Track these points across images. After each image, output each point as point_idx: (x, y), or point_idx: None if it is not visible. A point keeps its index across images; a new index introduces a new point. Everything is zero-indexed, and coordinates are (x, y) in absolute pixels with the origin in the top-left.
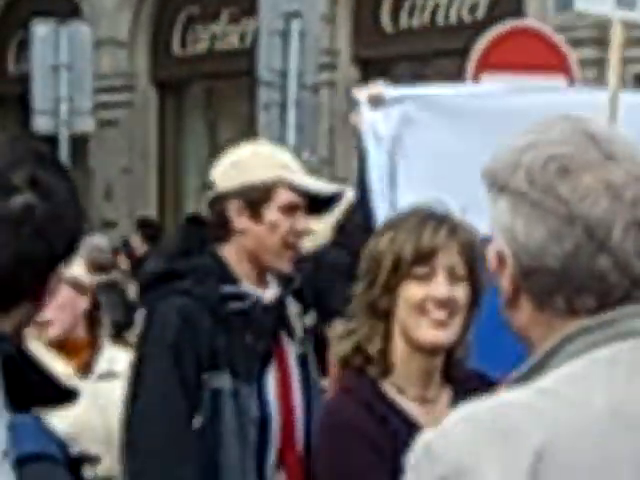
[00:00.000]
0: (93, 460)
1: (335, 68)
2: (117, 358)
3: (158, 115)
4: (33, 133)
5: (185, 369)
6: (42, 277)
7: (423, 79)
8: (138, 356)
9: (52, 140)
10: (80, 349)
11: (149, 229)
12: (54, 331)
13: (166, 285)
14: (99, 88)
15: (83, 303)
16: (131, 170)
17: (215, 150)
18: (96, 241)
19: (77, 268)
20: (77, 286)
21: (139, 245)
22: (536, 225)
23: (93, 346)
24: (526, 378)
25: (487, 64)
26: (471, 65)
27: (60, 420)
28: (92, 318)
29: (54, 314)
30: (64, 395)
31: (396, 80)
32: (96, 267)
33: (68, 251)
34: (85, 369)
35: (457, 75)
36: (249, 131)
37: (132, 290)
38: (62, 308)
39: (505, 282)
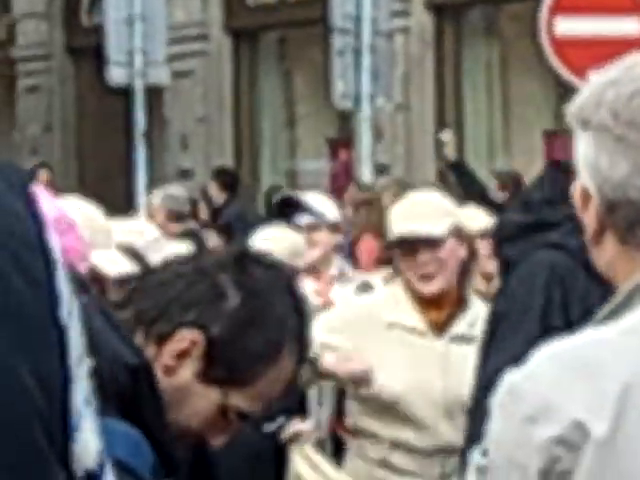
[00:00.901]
0: None
1: (409, 14)
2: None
3: (232, 64)
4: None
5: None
6: None
7: (496, 23)
8: (496, 314)
9: (127, 91)
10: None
11: (226, 178)
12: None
13: (532, 237)
14: (173, 38)
15: (461, 252)
16: (206, 120)
17: (290, 98)
18: (173, 191)
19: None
20: (457, 235)
21: (217, 194)
22: (620, 159)
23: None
24: (611, 316)
25: (561, 6)
26: (545, 8)
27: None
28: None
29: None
30: (165, 432)
31: (469, 25)
32: (174, 216)
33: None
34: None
35: (531, 18)
36: (324, 79)
37: (212, 239)
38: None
39: (590, 218)
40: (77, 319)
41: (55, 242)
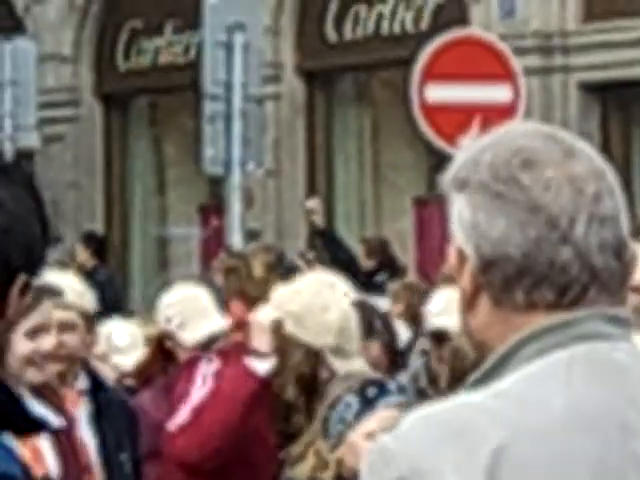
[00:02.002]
0: None
1: (280, 80)
2: None
3: (103, 129)
4: None
5: None
6: (1, 293)
7: (367, 90)
8: None
9: None
10: None
11: (95, 243)
12: None
13: None
14: (44, 103)
15: None
16: (77, 185)
17: (161, 164)
18: None
19: None
20: None
21: (86, 259)
22: (499, 215)
23: None
24: (483, 380)
25: (432, 73)
26: (416, 75)
27: None
28: None
29: None
30: (31, 425)
31: (340, 92)
32: None
33: (28, 263)
34: None
35: (402, 85)
36: (194, 144)
37: None
38: None
39: (465, 280)
40: None
41: None
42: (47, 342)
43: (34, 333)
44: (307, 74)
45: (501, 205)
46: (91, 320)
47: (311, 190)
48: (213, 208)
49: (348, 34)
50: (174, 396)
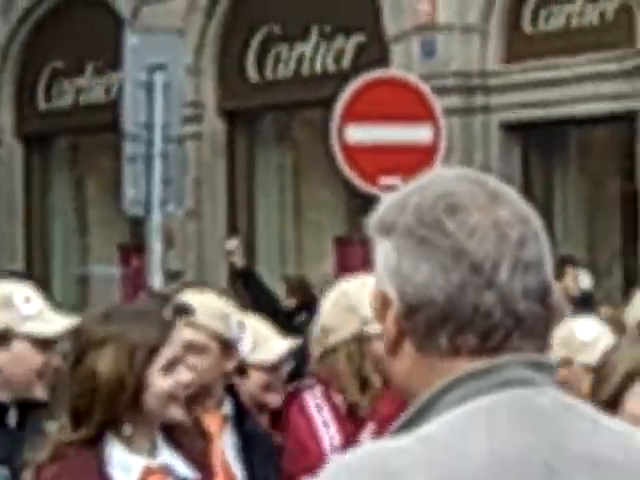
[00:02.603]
0: None
1: (201, 120)
2: None
3: (24, 170)
4: None
5: None
6: None
7: (288, 129)
8: None
9: None
10: None
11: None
12: None
13: None
14: None
15: None
16: None
17: (82, 204)
18: None
19: None
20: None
21: None
22: (423, 260)
23: None
24: (407, 426)
25: (353, 114)
26: (337, 115)
27: None
28: None
29: None
30: None
31: (261, 131)
32: None
33: None
34: None
35: (323, 125)
36: (115, 185)
37: None
38: None
39: (388, 325)
40: None
41: None
42: (184, 374)
43: (169, 367)
44: (228, 114)
45: (425, 250)
46: (227, 344)
47: (232, 230)
48: (133, 248)
49: (269, 74)
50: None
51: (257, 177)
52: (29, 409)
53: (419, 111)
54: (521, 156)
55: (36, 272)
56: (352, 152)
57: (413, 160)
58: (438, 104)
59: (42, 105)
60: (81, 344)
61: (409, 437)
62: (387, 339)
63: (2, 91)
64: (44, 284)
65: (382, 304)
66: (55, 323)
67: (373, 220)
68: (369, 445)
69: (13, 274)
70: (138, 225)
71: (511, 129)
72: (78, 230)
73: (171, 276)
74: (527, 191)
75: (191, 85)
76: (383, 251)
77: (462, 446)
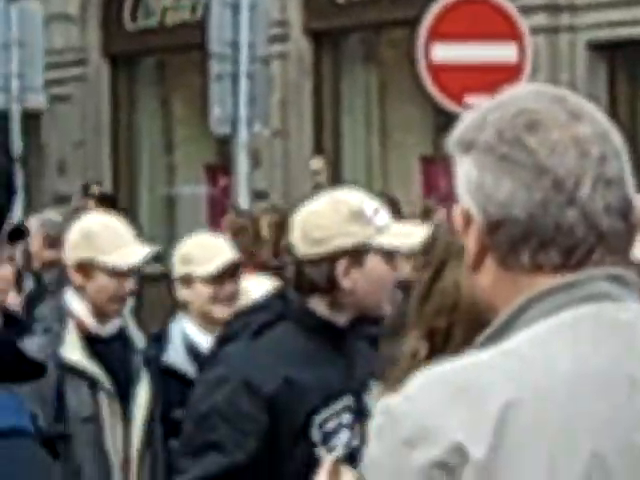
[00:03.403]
0: (65, 436)
1: (287, 39)
2: None
3: (110, 89)
4: None
5: None
6: None
7: (375, 49)
8: None
9: (4, 116)
10: None
11: (105, 201)
12: None
13: None
14: (51, 64)
15: None
16: (84, 144)
17: (168, 123)
18: (50, 216)
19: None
20: None
21: None
22: (505, 177)
23: None
24: (490, 340)
25: (439, 33)
26: (422, 34)
27: None
28: None
29: None
30: (31, 369)
31: (348, 51)
32: (50, 243)
33: (9, 197)
34: None
35: (409, 45)
36: (202, 104)
37: None
38: None
39: (471, 241)
40: None
41: None
42: None
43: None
44: (314, 33)
45: (507, 167)
46: None
47: (318, 150)
48: (220, 167)
49: None
50: None
51: (343, 97)
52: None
53: (505, 30)
54: (607, 76)
55: (123, 191)
56: (437, 71)
57: (498, 79)
58: (524, 23)
59: (129, 25)
60: (439, 255)
61: (494, 351)
62: (470, 254)
63: (88, 11)
64: (131, 204)
65: (465, 221)
66: (406, 236)
67: (453, 137)
68: (456, 359)
69: (102, 195)
70: (225, 144)
71: (598, 48)
72: (165, 149)
73: (257, 195)
74: (612, 111)
75: (277, 4)
76: (464, 168)
77: (546, 360)
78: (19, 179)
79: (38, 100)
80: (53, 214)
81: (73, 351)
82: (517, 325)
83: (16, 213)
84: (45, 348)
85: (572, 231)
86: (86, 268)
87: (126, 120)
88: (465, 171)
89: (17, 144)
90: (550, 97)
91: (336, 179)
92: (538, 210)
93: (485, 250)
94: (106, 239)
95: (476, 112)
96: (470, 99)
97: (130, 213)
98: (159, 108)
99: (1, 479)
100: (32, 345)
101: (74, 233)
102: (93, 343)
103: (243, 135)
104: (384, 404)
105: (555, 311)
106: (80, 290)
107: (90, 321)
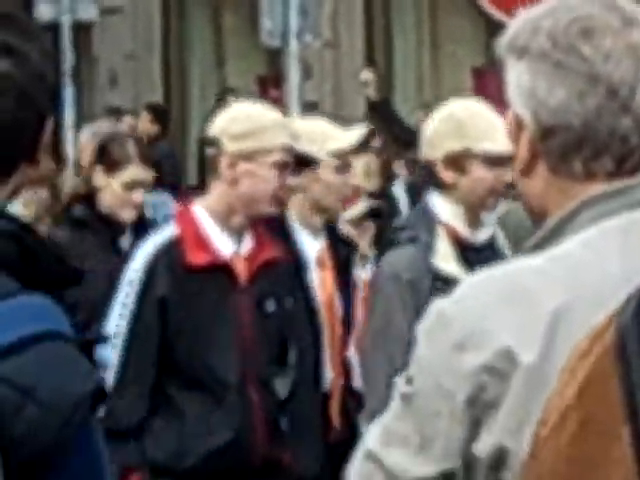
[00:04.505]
0: (105, 339)
1: None
2: None
3: (162, 1)
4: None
5: None
6: (35, 140)
7: None
8: None
9: (55, 28)
10: None
11: (157, 112)
12: None
13: None
14: None
15: None
16: (135, 57)
17: (219, 35)
18: (102, 128)
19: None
20: None
21: (148, 127)
22: (559, 84)
23: None
24: (540, 245)
25: None
26: None
27: None
28: None
29: None
30: (71, 275)
31: None
32: None
33: (52, 105)
34: None
35: None
36: (252, 16)
37: None
38: None
39: (522, 148)
40: None
41: None
42: None
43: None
44: None
45: (561, 74)
46: None
47: (369, 61)
48: (271, 79)
49: None
50: None
51: (394, 8)
52: None
53: None
54: None
55: (174, 104)
56: None
57: None
58: None
59: None
60: None
61: (544, 256)
62: (520, 160)
63: None
64: (182, 116)
65: (516, 126)
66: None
67: (504, 42)
68: (506, 264)
69: (151, 106)
70: (275, 56)
71: None
72: (216, 62)
73: (308, 107)
74: None
75: None
76: (516, 73)
77: (596, 264)
78: (70, 91)
79: (89, 11)
80: (106, 125)
81: (446, 260)
82: (567, 231)
83: (68, 125)
84: (415, 258)
85: (626, 139)
86: (459, 161)
87: (177, 32)
88: (517, 77)
89: (68, 57)
90: (603, 4)
91: (386, 91)
92: (592, 117)
93: (536, 156)
94: (477, 126)
95: (527, 17)
96: (521, 10)
97: (181, 126)
98: (210, 20)
99: (31, 379)
100: (401, 255)
101: (445, 122)
102: (464, 251)
103: (294, 46)
104: (435, 306)
105: (606, 216)
106: (450, 190)
107: (461, 227)
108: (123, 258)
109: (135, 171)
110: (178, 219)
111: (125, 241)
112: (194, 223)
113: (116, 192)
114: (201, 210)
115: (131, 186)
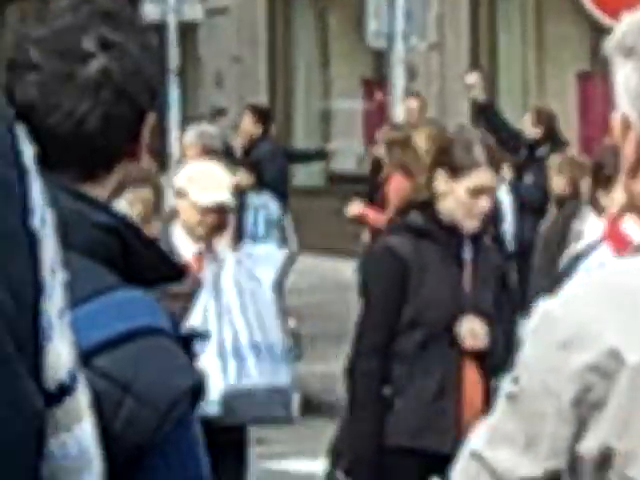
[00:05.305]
0: (204, 336)
1: None
2: None
3: (267, 2)
4: None
5: None
6: (133, 134)
7: None
8: None
9: (161, 28)
10: None
11: (260, 113)
12: None
13: None
14: None
15: None
16: (241, 58)
17: (324, 37)
18: (207, 128)
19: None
20: None
21: (251, 128)
22: None
23: None
24: None
25: None
26: None
27: None
28: None
29: None
30: (173, 271)
31: None
32: (207, 153)
33: (152, 101)
34: None
35: None
36: (357, 17)
37: (242, 176)
38: None
39: (629, 149)
40: (51, 228)
41: (29, 151)
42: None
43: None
44: None
45: None
46: None
47: (474, 64)
48: (376, 81)
49: None
50: None
51: (499, 11)
52: None
53: None
54: None
55: (279, 105)
56: None
57: None
58: None
59: None
60: None
61: None
62: (627, 161)
63: None
64: (287, 118)
65: (623, 126)
66: None
67: (613, 41)
68: (613, 263)
69: (254, 107)
70: (381, 58)
71: None
72: (321, 63)
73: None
74: None
75: None
76: (623, 74)
77: None
78: (175, 91)
79: (195, 11)
80: (210, 126)
81: None
82: None
83: (173, 125)
84: None
85: None
86: None
87: (282, 33)
88: (625, 77)
89: (174, 56)
90: None
91: (492, 94)
92: None
93: None
94: None
95: (636, 19)
96: (627, 13)
97: (285, 127)
98: (315, 21)
99: (130, 374)
100: None
101: None
102: None
103: (399, 49)
104: (541, 306)
105: None
106: None
107: None
108: None
109: (483, 176)
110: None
111: (467, 251)
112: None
113: (460, 199)
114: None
115: (478, 192)
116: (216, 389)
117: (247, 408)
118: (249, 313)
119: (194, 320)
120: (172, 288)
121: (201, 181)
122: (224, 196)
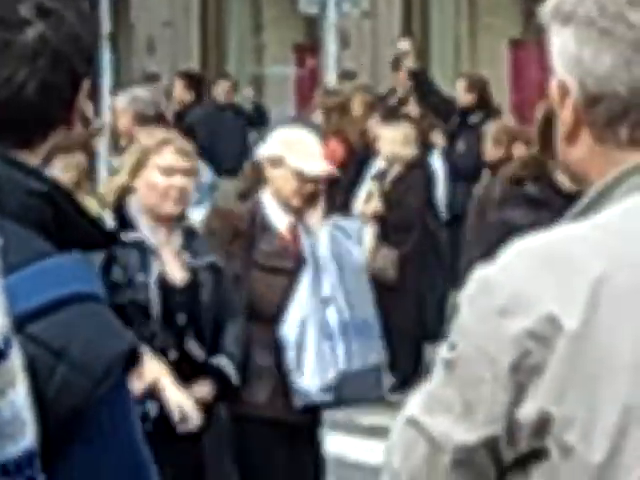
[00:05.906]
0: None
1: None
2: None
3: None
4: None
5: None
6: (69, 102)
7: None
8: None
9: None
10: None
11: (192, 79)
12: None
13: None
14: None
15: None
16: (173, 23)
17: (257, 3)
18: (138, 93)
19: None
20: None
21: (182, 94)
22: (605, 52)
23: None
24: (583, 213)
25: None
26: None
27: None
28: None
29: None
30: (103, 237)
31: None
32: (139, 119)
33: (88, 67)
34: None
35: None
36: None
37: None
38: None
39: (566, 114)
40: None
41: None
42: None
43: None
44: None
45: (608, 42)
46: None
47: (406, 31)
48: (309, 47)
49: None
50: None
51: None
52: None
53: None
54: None
55: (211, 71)
56: None
57: None
58: None
59: None
60: None
61: (586, 224)
62: (564, 127)
63: None
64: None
65: (561, 93)
66: None
67: (549, 8)
68: (550, 231)
69: (185, 73)
70: (313, 24)
71: None
72: (253, 29)
73: (345, 76)
74: None
75: None
76: (561, 40)
77: (637, 234)
78: (108, 57)
79: None
80: (142, 91)
81: None
82: (610, 199)
83: (105, 90)
84: None
85: None
86: None
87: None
88: (562, 43)
89: (106, 22)
90: None
91: (424, 61)
92: (639, 85)
93: (581, 124)
94: None
95: None
96: None
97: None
98: None
99: (63, 340)
100: None
101: None
102: None
103: (332, 15)
104: (478, 272)
105: None
106: None
107: None
108: None
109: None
110: None
111: None
112: None
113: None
114: None
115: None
116: (328, 374)
117: (347, 390)
118: (350, 289)
119: (299, 298)
120: (275, 264)
121: (300, 149)
122: (326, 166)
